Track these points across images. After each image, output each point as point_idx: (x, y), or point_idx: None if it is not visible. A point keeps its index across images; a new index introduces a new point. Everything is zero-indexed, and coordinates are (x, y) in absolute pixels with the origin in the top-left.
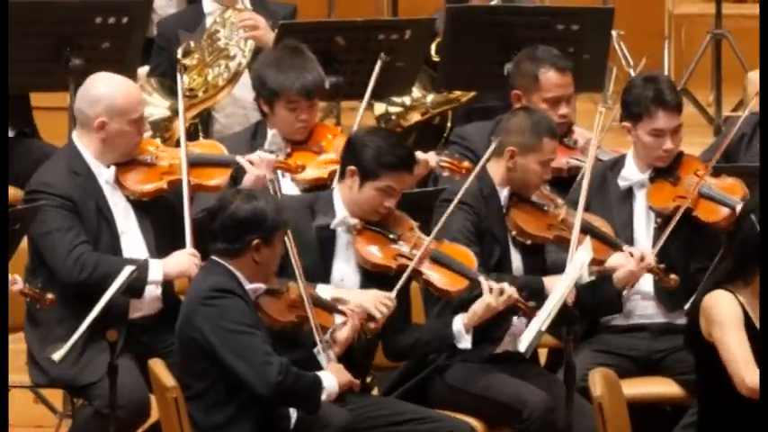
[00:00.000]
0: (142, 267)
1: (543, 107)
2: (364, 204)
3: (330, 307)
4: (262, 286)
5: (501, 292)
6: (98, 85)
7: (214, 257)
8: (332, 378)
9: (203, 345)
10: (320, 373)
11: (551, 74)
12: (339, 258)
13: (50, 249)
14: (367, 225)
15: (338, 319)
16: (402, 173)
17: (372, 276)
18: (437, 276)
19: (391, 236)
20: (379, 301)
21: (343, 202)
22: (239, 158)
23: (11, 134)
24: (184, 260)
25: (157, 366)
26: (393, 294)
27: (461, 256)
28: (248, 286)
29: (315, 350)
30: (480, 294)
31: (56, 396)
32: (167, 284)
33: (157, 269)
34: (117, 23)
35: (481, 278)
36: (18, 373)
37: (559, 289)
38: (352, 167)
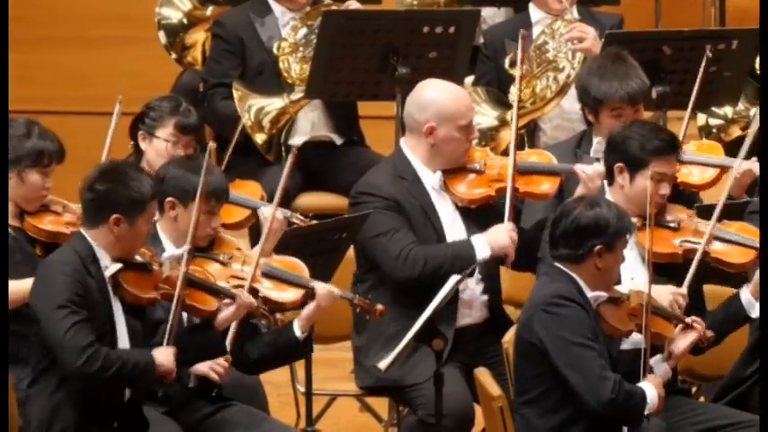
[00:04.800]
0: (468, 247)
1: None
2: (639, 197)
3: (671, 316)
4: (603, 294)
5: None
6: (428, 90)
7: (557, 264)
8: (654, 391)
9: (541, 350)
10: (643, 386)
11: None
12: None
13: (380, 252)
14: (644, 221)
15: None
16: (670, 156)
17: (661, 269)
18: (727, 251)
19: (671, 225)
20: (675, 299)
21: (618, 203)
22: (577, 167)
23: (338, 142)
24: (503, 235)
25: (483, 375)
26: (684, 290)
27: (742, 230)
28: (590, 294)
29: (652, 360)
30: None
31: (381, 405)
32: (495, 294)
33: (484, 246)
34: (444, 33)
35: None
36: (344, 382)
37: None
38: (620, 164)
